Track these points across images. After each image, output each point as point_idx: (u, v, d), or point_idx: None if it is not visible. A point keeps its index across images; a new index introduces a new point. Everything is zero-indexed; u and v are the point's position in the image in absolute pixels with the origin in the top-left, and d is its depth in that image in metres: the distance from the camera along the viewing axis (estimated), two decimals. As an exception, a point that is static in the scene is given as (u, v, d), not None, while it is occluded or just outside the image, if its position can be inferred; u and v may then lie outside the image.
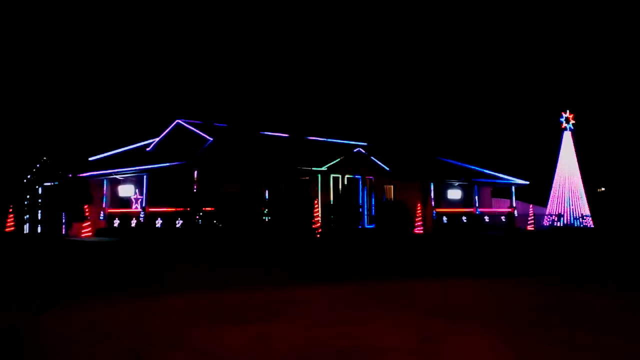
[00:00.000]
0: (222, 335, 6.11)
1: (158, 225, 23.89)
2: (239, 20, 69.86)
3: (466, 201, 33.64)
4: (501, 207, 35.67)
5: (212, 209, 21.95)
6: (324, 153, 28.40)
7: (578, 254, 16.93)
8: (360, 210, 27.34)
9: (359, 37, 75.96)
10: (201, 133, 26.34)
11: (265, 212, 23.03)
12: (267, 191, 24.52)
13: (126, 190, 26.93)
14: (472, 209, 32.73)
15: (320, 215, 24.44)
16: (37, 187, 28.18)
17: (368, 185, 28.24)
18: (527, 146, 56.03)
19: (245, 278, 11.25)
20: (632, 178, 45.49)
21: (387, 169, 28.39)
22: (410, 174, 30.32)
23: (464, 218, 31.92)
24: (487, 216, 33.42)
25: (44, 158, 28.07)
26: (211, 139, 25.20)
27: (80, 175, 26.95)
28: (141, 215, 24.66)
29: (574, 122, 37.10)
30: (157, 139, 28.88)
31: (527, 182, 36.32)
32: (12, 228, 25.48)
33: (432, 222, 29.81)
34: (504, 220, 34.25)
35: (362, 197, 27.90)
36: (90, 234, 25.47)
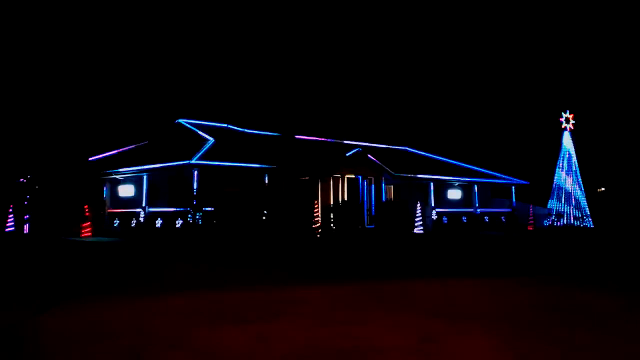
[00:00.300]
0: (222, 335, 6.11)
1: (158, 225, 23.89)
2: (239, 20, 69.86)
3: (466, 201, 33.64)
4: (501, 207, 35.69)
5: (212, 209, 21.95)
6: (324, 153, 28.40)
7: (578, 254, 16.93)
8: (360, 210, 27.35)
9: (359, 36, 75.94)
10: (201, 133, 26.35)
11: (265, 212, 23.03)
12: (267, 191, 24.53)
13: (126, 190, 26.93)
14: (472, 209, 32.74)
15: (320, 215, 24.44)
16: (37, 187, 28.17)
17: (368, 185, 28.24)
18: (527, 146, 56.02)
19: (245, 278, 11.25)
20: (632, 178, 45.48)
21: (387, 169, 28.39)
22: (410, 174, 30.31)
23: (464, 218, 31.93)
24: (487, 216, 33.42)
25: (44, 158, 28.07)
26: (211, 139, 25.20)
27: (80, 175, 26.94)
28: (141, 216, 24.66)
29: (574, 122, 37.11)
30: (157, 139, 28.88)
31: (527, 182, 36.32)
32: (12, 228, 25.48)
33: (432, 222, 29.82)
34: (504, 220, 34.26)
35: (362, 197, 27.90)
36: (90, 234, 25.48)
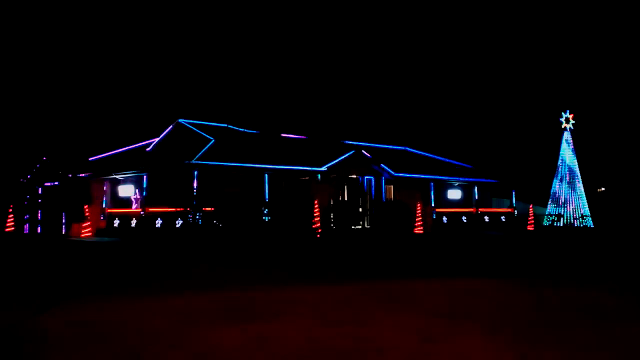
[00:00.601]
0: (222, 335, 6.10)
1: (158, 225, 23.89)
2: (239, 20, 69.83)
3: (466, 201, 33.64)
4: (501, 207, 35.68)
5: (212, 209, 21.94)
6: (324, 153, 28.40)
7: (578, 254, 16.93)
8: (360, 210, 27.35)
9: (359, 36, 75.93)
10: (201, 133, 26.34)
11: (265, 212, 23.02)
12: (267, 191, 24.53)
13: (126, 190, 26.93)
14: (472, 209, 32.73)
15: (320, 215, 24.44)
16: (37, 187, 28.18)
17: (368, 185, 28.24)
18: (527, 146, 56.04)
19: (245, 278, 11.25)
20: (632, 178, 45.48)
21: (387, 169, 28.39)
22: (410, 174, 30.31)
23: (464, 218, 31.92)
24: (487, 216, 33.42)
25: (44, 158, 28.07)
26: (211, 139, 25.20)
27: (80, 175, 26.94)
28: (141, 216, 24.66)
29: (574, 122, 37.11)
30: (157, 139, 28.88)
31: (527, 182, 36.32)
32: (12, 228, 25.48)
33: (432, 222, 29.81)
34: (504, 220, 34.26)
35: (362, 197, 27.90)
36: (90, 234, 25.48)
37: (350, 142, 32.99)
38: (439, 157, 37.32)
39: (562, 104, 59.73)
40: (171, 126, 28.25)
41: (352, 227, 25.74)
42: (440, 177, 31.49)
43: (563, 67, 70.08)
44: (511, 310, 7.70)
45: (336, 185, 26.80)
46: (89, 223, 25.46)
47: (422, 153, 38.30)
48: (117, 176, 26.50)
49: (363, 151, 28.12)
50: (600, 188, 44.32)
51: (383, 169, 28.29)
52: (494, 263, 14.39)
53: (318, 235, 23.45)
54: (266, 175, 24.74)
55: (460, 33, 73.64)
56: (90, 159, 29.91)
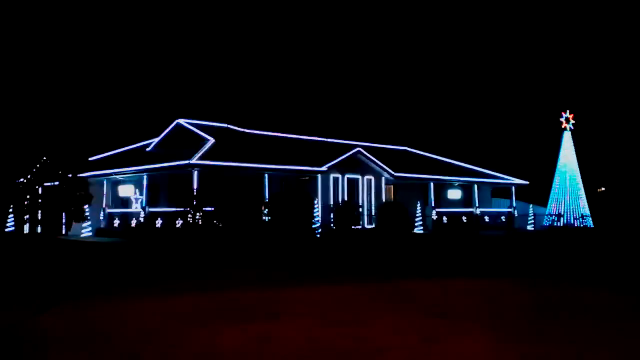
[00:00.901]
0: (222, 335, 6.10)
1: (158, 225, 23.89)
2: (239, 20, 69.82)
3: (466, 201, 33.62)
4: (501, 207, 35.67)
5: (212, 209, 21.94)
6: (324, 153, 28.39)
7: (578, 254, 16.92)
8: (360, 210, 27.35)
9: (359, 37, 75.92)
10: (201, 133, 26.33)
11: (265, 212, 23.01)
12: (267, 191, 24.52)
13: (126, 190, 26.92)
14: (472, 209, 32.72)
15: (320, 215, 24.43)
16: (37, 187, 28.17)
17: (368, 185, 28.24)
18: (527, 146, 56.04)
19: (245, 278, 11.24)
20: (632, 178, 45.48)
21: (388, 168, 28.39)
22: (410, 174, 30.30)
23: (464, 218, 31.91)
24: (487, 216, 33.41)
25: (44, 158, 28.06)
26: (211, 139, 25.19)
27: (80, 175, 26.93)
28: (141, 215, 24.66)
29: (574, 122, 37.10)
30: (157, 139, 28.87)
31: (527, 182, 36.30)
32: (12, 228, 25.48)
33: (432, 222, 29.81)
34: (504, 220, 34.24)
35: (362, 197, 27.90)
36: (90, 234, 25.47)
37: (351, 142, 32.99)
38: (439, 157, 37.31)
39: (562, 104, 59.69)
40: (171, 126, 28.23)
41: (352, 227, 25.73)
42: (440, 177, 31.48)
43: (563, 67, 70.08)
44: (511, 310, 7.70)
45: (336, 185, 26.79)
46: (89, 223, 25.45)
47: (422, 153, 38.29)
48: (117, 176, 26.49)
49: (363, 151, 28.11)
50: (600, 188, 44.31)
51: (383, 169, 28.28)
52: (494, 263, 14.38)
53: (318, 235, 23.44)
54: (266, 175, 24.73)
55: (460, 33, 73.65)
56: (90, 159, 29.89)
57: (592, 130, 49.99)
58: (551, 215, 35.71)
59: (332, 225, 25.14)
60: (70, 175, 26.57)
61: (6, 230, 25.27)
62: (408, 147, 39.06)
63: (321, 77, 73.25)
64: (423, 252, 17.88)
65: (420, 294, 9.11)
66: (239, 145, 27.11)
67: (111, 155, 30.53)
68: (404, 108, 65.81)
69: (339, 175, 27.01)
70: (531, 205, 33.70)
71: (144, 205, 24.90)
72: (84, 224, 25.38)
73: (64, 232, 26.82)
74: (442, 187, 32.50)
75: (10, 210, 25.66)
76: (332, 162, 26.56)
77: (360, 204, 27.53)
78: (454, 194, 33.71)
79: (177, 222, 22.72)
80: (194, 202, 21.57)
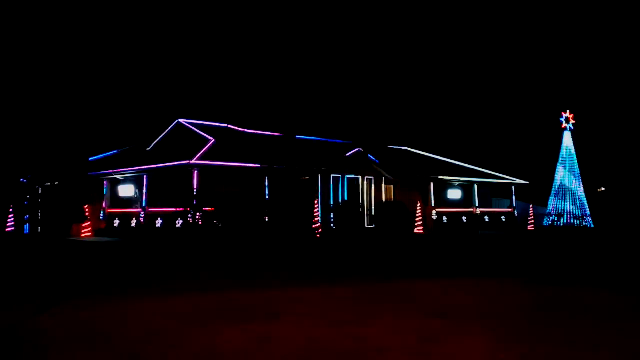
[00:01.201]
0: (222, 335, 6.10)
1: (158, 225, 23.89)
2: (238, 20, 69.87)
3: (466, 201, 33.63)
4: (501, 207, 35.68)
5: (212, 209, 21.95)
6: (324, 153, 28.41)
7: (578, 254, 16.93)
8: (361, 210, 27.36)
9: (359, 36, 75.95)
10: (201, 133, 26.34)
11: (265, 212, 23.03)
12: (267, 191, 24.53)
13: (126, 190, 26.93)
14: (472, 209, 32.73)
15: (320, 215, 24.43)
16: (37, 187, 28.18)
17: (368, 185, 28.24)
18: (527, 146, 56.04)
19: (245, 278, 11.25)
20: (632, 178, 45.49)
21: (387, 168, 28.40)
22: (410, 174, 30.31)
23: (464, 218, 31.92)
24: (487, 216, 33.43)
25: (44, 158, 28.07)
26: (211, 139, 25.20)
27: (80, 175, 26.94)
28: (141, 215, 24.66)
29: (574, 122, 37.11)
30: (157, 139, 28.89)
31: (527, 182, 36.34)
32: (12, 228, 25.48)
33: (432, 222, 29.82)
34: (504, 220, 34.26)
35: (362, 197, 27.90)
36: (90, 234, 25.47)
37: (351, 142, 33.00)
38: (439, 157, 37.33)
39: (562, 104, 59.72)
40: (171, 126, 28.25)
41: (352, 227, 25.74)
42: (440, 177, 31.50)
43: (563, 67, 70.10)
44: (511, 310, 7.70)
45: (336, 185, 26.80)
46: (89, 223, 25.45)
47: (422, 153, 38.31)
48: (117, 176, 26.50)
49: (363, 151, 28.12)
50: (600, 188, 44.32)
51: (383, 168, 28.28)
52: (494, 263, 14.38)
53: (318, 235, 23.45)
54: (266, 175, 24.74)
55: (460, 33, 73.67)
56: (90, 159, 29.90)
57: (592, 130, 50.00)
58: (551, 215, 35.74)
59: (332, 225, 25.15)
60: (70, 175, 26.59)
61: (6, 230, 25.27)
62: (408, 147, 39.08)
63: (321, 76, 73.26)
64: (423, 252, 17.88)
65: (420, 294, 9.11)
66: (239, 145, 27.13)
67: (111, 155, 30.54)
68: (404, 108, 65.83)
69: (339, 175, 27.01)
70: (531, 205, 33.72)
71: (144, 205, 24.90)
72: (84, 224, 25.38)
73: (63, 232, 26.81)
74: (442, 187, 32.51)
75: (11, 210, 25.65)
76: (332, 162, 26.57)
77: (361, 204, 27.54)
78: (454, 194, 33.73)
79: (177, 222, 22.73)
80: (194, 202, 21.59)
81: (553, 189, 36.56)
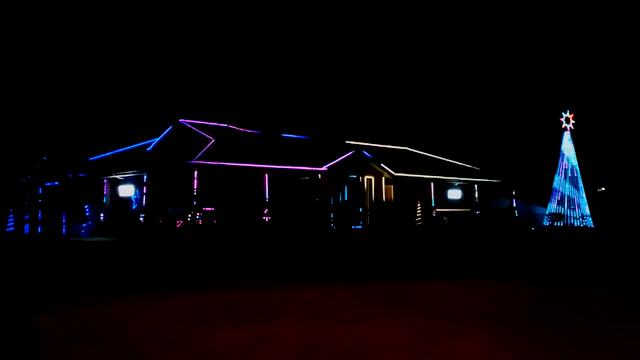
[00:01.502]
0: (222, 335, 6.10)
1: (158, 225, 23.87)
2: (238, 20, 69.83)
3: (466, 201, 33.63)
4: (501, 207, 35.67)
5: (212, 209, 21.95)
6: (324, 153, 28.40)
7: (578, 254, 16.92)
8: (360, 210, 27.35)
9: (360, 36, 75.94)
10: (201, 133, 26.34)
11: (265, 212, 23.03)
12: (267, 191, 24.52)
13: (126, 190, 26.92)
14: (472, 209, 32.72)
15: (320, 215, 24.41)
16: (37, 187, 28.17)
17: (368, 185, 28.23)
18: (527, 146, 56.02)
19: (245, 278, 11.24)
20: (632, 178, 45.48)
21: (387, 169, 28.39)
22: (410, 174, 30.31)
23: (464, 218, 31.90)
24: (487, 216, 33.39)
25: (44, 158, 28.07)
26: (211, 139, 25.20)
27: (80, 175, 26.94)
28: (142, 215, 24.66)
29: (574, 122, 37.10)
30: (157, 139, 28.88)
31: (527, 182, 36.33)
32: (12, 228, 25.48)
33: (432, 222, 29.81)
34: (504, 220, 34.22)
35: (362, 197, 27.89)
36: (90, 233, 25.47)
37: (351, 142, 33.01)
38: (439, 157, 37.33)
39: (562, 104, 59.69)
40: (171, 126, 28.25)
41: (352, 227, 25.75)
42: (440, 177, 31.49)
43: (563, 67, 70.08)
44: (511, 310, 7.69)
45: (336, 185, 26.80)
46: (89, 223, 25.44)
47: (422, 153, 38.30)
48: (117, 176, 26.50)
49: (363, 151, 28.12)
50: (600, 188, 44.31)
51: (383, 168, 28.27)
52: (494, 263, 14.38)
53: (318, 235, 23.44)
54: (266, 175, 24.74)
55: (460, 33, 73.65)
56: (90, 159, 29.90)
57: (592, 130, 50.00)
58: (551, 215, 35.73)
59: (332, 225, 25.15)
60: (70, 175, 26.59)
61: (7, 230, 25.27)
62: (408, 147, 39.07)
63: (321, 77, 73.23)
64: (423, 252, 17.87)
65: (420, 294, 9.11)
66: (239, 145, 27.12)
67: (111, 155, 30.54)
68: (404, 108, 65.81)
69: (339, 175, 27.00)
70: (531, 205, 33.72)
71: (144, 205, 24.89)
72: (84, 224, 25.38)
73: (64, 232, 26.81)
74: (442, 187, 32.51)
75: (11, 210, 25.65)
76: (332, 162, 26.56)
77: (360, 204, 27.53)
78: (454, 193, 33.73)
79: (177, 222, 22.73)
80: (194, 202, 21.59)
81: (553, 189, 36.55)
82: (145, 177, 25.05)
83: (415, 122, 59.54)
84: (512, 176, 36.06)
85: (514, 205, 35.06)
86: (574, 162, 36.39)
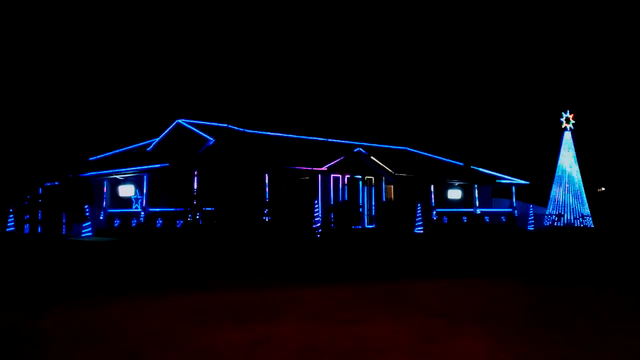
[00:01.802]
0: (222, 335, 6.10)
1: (158, 225, 23.88)
2: (238, 20, 69.82)
3: (466, 201, 33.63)
4: (501, 207, 35.68)
5: (212, 209, 21.94)
6: (324, 153, 28.39)
7: (578, 254, 16.92)
8: (360, 210, 27.36)
9: (359, 37, 75.93)
10: (201, 133, 26.33)
11: (265, 212, 23.02)
12: (267, 191, 24.52)
13: (126, 190, 26.91)
14: (472, 209, 32.72)
15: (320, 215, 24.42)
16: (37, 187, 28.16)
17: (368, 185, 28.24)
18: (527, 146, 56.03)
19: (245, 278, 11.24)
20: (632, 178, 45.48)
21: (388, 168, 28.39)
22: (410, 174, 30.30)
23: (464, 218, 31.91)
24: (487, 216, 33.42)
25: (44, 158, 28.07)
26: (211, 139, 25.19)
27: (80, 175, 26.94)
28: (141, 215, 24.65)
29: (574, 122, 37.09)
30: (157, 139, 28.87)
31: (527, 182, 36.30)
32: (12, 228, 25.48)
33: (432, 222, 29.81)
34: (504, 220, 34.25)
35: (362, 197, 27.90)
36: (90, 234, 25.47)
37: (350, 142, 32.99)
38: (439, 157, 37.31)
39: (562, 104, 59.67)
40: (171, 126, 28.23)
41: (353, 227, 25.75)
42: (440, 177, 31.48)
43: (563, 67, 70.08)
44: (511, 310, 7.69)
45: (336, 185, 26.80)
46: (89, 223, 25.45)
47: (422, 153, 38.29)
48: (117, 176, 26.49)
49: (363, 151, 28.12)
50: (600, 188, 44.29)
51: (383, 169, 28.27)
52: (494, 263, 14.38)
53: (318, 236, 23.45)
54: (266, 175, 24.73)
55: (460, 33, 73.64)
56: (90, 159, 29.89)
57: (592, 130, 50.00)
58: (551, 215, 35.71)
59: (332, 225, 25.15)
60: (70, 175, 26.58)
61: (7, 230, 25.27)
62: (408, 147, 39.06)
63: (321, 76, 73.23)
64: (423, 252, 17.87)
65: (421, 294, 9.11)
66: (239, 145, 27.11)
67: (111, 155, 30.53)
68: (404, 108, 65.82)
69: (339, 175, 27.01)
70: (531, 205, 33.70)
71: (144, 205, 24.89)
72: (84, 224, 25.38)
73: (64, 232, 26.82)
74: (442, 187, 32.50)
75: (11, 210, 25.66)
76: (332, 162, 26.56)
77: (361, 204, 27.53)
78: (454, 194, 33.73)
79: (177, 222, 22.73)
80: (194, 202, 21.58)
81: (553, 189, 36.52)
82: (145, 177, 25.04)
83: (415, 122, 59.54)
84: (512, 176, 36.00)
85: (514, 205, 35.05)
86: (574, 162, 36.37)
